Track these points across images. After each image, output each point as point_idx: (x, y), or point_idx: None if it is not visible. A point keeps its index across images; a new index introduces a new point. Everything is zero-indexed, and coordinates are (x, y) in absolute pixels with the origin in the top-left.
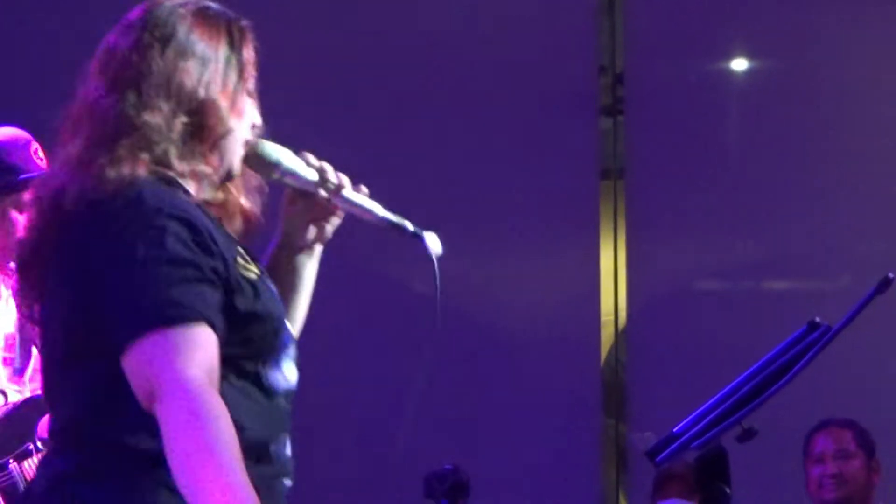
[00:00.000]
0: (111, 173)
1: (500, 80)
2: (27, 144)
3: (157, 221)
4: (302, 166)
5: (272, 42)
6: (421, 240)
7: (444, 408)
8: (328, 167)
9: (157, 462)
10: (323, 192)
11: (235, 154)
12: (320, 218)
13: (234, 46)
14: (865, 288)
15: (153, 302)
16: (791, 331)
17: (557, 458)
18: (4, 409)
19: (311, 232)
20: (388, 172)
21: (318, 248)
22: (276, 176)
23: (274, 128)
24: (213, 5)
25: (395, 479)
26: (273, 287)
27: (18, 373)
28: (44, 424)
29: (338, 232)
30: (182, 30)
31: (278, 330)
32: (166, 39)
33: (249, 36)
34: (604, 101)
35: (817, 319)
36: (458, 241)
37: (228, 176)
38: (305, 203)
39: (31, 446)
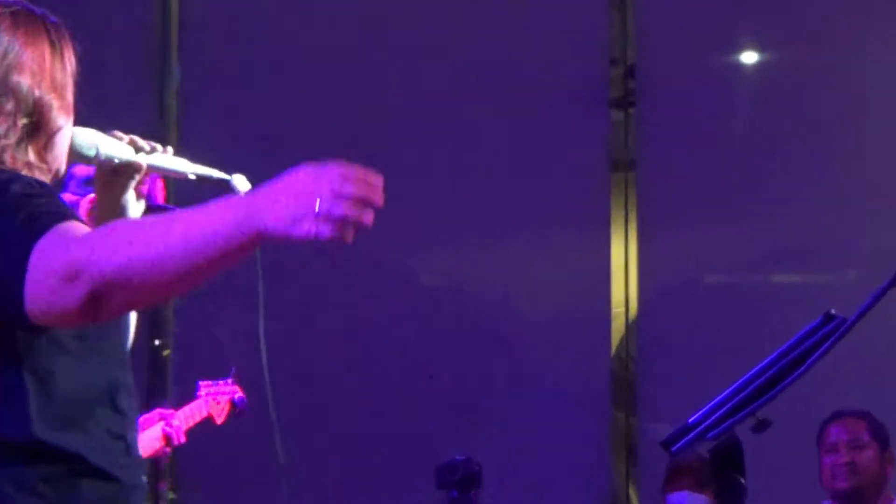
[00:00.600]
0: None
1: (512, 72)
2: None
3: None
4: (117, 145)
5: (291, 36)
6: (228, 183)
7: (456, 399)
8: (137, 138)
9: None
10: (140, 162)
11: (64, 152)
12: (126, 180)
13: (56, 47)
14: (876, 281)
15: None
16: (800, 323)
17: (567, 450)
18: None
19: (128, 192)
20: (398, 166)
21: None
22: (94, 161)
23: (294, 120)
24: (26, 7)
25: (408, 469)
26: None
27: None
28: None
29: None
30: (7, 36)
31: None
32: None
33: (66, 35)
34: (615, 94)
35: (833, 311)
36: (469, 233)
37: (56, 175)
38: (117, 176)
39: None
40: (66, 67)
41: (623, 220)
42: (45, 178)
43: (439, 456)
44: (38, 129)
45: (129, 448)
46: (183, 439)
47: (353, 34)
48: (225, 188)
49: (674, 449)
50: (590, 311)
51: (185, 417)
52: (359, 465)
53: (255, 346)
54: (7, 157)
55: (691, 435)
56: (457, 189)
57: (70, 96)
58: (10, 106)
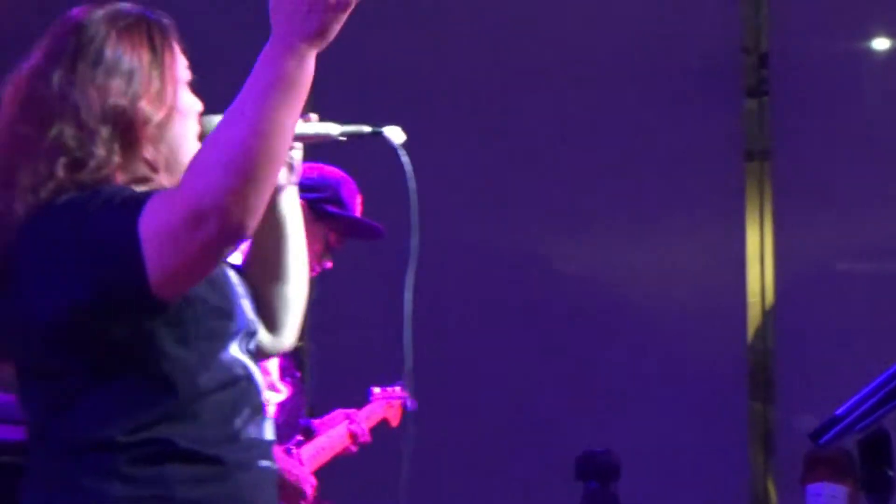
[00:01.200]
0: None
1: (644, 61)
2: (354, 188)
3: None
4: None
5: (389, 30)
6: (381, 135)
7: (594, 390)
8: None
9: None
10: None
11: (185, 149)
12: None
13: (157, 48)
14: None
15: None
16: None
17: (704, 442)
18: (282, 400)
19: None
20: (540, 160)
21: (292, 188)
22: None
23: (393, 115)
24: (131, 10)
25: (547, 460)
26: (229, 277)
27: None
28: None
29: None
30: (108, 50)
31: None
32: (95, 63)
33: (172, 31)
34: (748, 82)
35: None
36: (604, 223)
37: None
38: None
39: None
40: (169, 71)
41: (758, 210)
42: (172, 182)
43: (578, 447)
44: (138, 140)
45: (238, 431)
46: (368, 438)
47: (494, 29)
48: (379, 142)
49: (821, 441)
50: (726, 301)
51: (366, 418)
52: (498, 455)
53: (397, 339)
54: (118, 178)
55: (839, 427)
56: (595, 180)
57: (179, 95)
58: (105, 131)
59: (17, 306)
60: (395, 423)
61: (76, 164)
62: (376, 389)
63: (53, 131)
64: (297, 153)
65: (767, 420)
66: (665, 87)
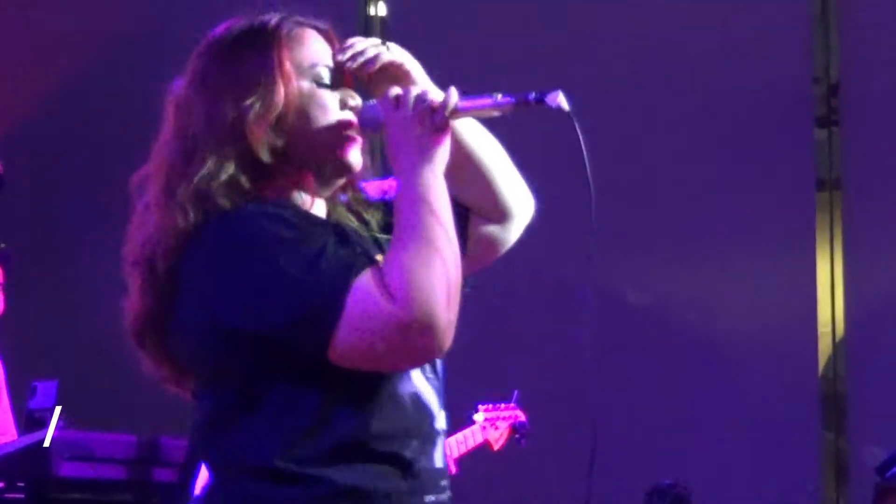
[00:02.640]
0: None
1: (715, 92)
2: None
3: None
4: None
5: (486, 45)
6: (544, 102)
7: (663, 421)
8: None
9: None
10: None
11: (324, 141)
12: None
13: (282, 53)
14: None
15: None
16: None
17: (776, 472)
18: None
19: None
20: (605, 186)
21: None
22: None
23: None
24: (261, 19)
25: (616, 491)
26: None
27: None
28: None
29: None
30: (230, 66)
31: None
32: (212, 94)
33: (304, 33)
34: (819, 112)
35: None
36: (675, 254)
37: (342, 164)
38: None
39: None
40: (279, 71)
41: (828, 239)
42: (322, 185)
43: (647, 478)
44: (283, 146)
45: (409, 465)
46: (452, 470)
47: (560, 45)
48: (540, 109)
49: (888, 475)
50: (797, 330)
51: (456, 444)
52: (565, 488)
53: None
54: (266, 193)
55: None
56: (664, 209)
57: (306, 96)
58: (229, 149)
59: (192, 311)
60: (497, 446)
61: (231, 183)
62: (485, 406)
63: (199, 153)
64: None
65: (839, 450)
66: (736, 116)
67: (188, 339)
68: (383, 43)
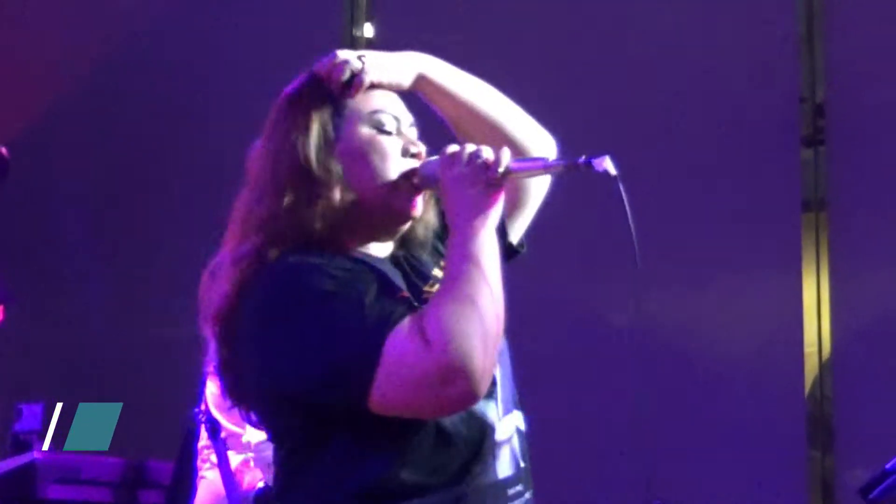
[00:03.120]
0: None
1: (701, 111)
2: None
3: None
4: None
5: (473, 68)
6: (592, 166)
7: (648, 441)
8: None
9: None
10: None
11: (396, 193)
12: None
13: (332, 109)
14: None
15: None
16: None
17: (763, 493)
18: None
19: None
20: (586, 201)
21: None
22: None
23: None
24: (298, 85)
25: None
26: None
27: None
28: None
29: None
30: (283, 124)
31: None
32: (276, 143)
33: (358, 82)
34: (805, 132)
35: None
36: (660, 274)
37: (401, 215)
38: None
39: None
40: (310, 137)
41: (815, 260)
42: (380, 234)
43: (635, 499)
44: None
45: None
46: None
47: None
48: (591, 173)
49: (871, 497)
50: (783, 350)
51: None
52: None
53: None
54: (329, 237)
55: (888, 481)
56: (652, 230)
57: (358, 135)
58: (289, 199)
59: (245, 359)
60: None
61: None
62: None
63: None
64: None
65: (826, 469)
66: (722, 136)
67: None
68: (359, 57)
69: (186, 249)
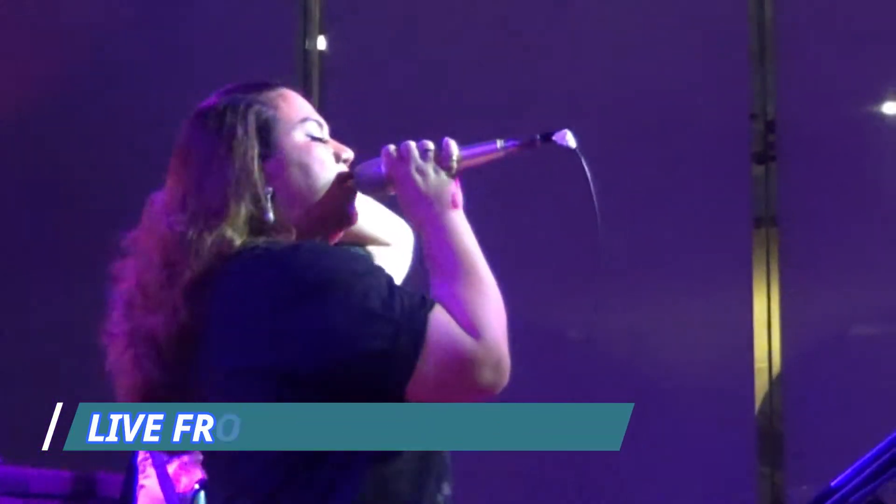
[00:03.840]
0: None
1: (652, 126)
2: None
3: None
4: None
5: (428, 81)
6: (553, 140)
7: (596, 456)
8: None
9: None
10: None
11: (338, 198)
12: None
13: (264, 119)
14: None
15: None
16: None
17: None
18: None
19: None
20: (547, 219)
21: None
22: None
23: None
24: (212, 102)
25: None
26: None
27: None
28: None
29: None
30: (211, 135)
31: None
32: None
33: (284, 92)
34: (755, 149)
35: None
36: (610, 289)
37: (345, 218)
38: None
39: None
40: (286, 130)
41: (765, 276)
42: (326, 238)
43: None
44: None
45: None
46: None
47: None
48: (551, 147)
49: None
50: (733, 366)
51: None
52: None
53: None
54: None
55: (834, 499)
56: (599, 245)
57: (293, 143)
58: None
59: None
60: None
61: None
62: None
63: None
64: None
65: (776, 486)
66: (672, 152)
67: (220, 393)
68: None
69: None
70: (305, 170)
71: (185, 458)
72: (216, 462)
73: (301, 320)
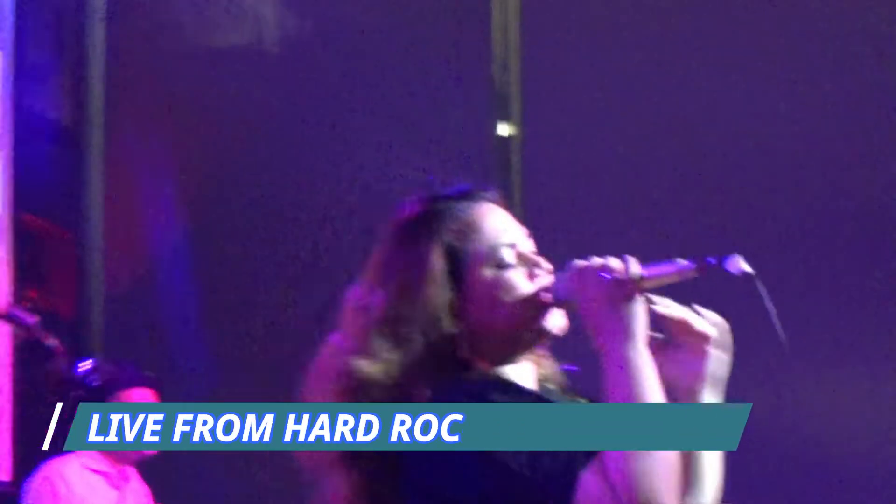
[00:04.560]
0: None
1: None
2: None
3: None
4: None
5: None
6: (724, 266)
7: None
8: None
9: None
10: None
11: (530, 317)
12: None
13: (454, 252)
14: None
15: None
16: None
17: None
18: None
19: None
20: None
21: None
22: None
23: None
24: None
25: None
26: None
27: None
28: None
29: None
30: (405, 254)
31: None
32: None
33: (477, 212)
34: None
35: None
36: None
37: (541, 333)
38: None
39: None
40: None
41: None
42: (525, 354)
43: None
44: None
45: None
46: None
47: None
48: (721, 273)
49: None
50: None
51: None
52: None
53: None
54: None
55: None
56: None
57: (480, 280)
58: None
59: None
60: None
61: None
62: None
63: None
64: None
65: None
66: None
67: None
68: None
69: None
70: (492, 302)
71: None
72: None
73: (455, 475)
